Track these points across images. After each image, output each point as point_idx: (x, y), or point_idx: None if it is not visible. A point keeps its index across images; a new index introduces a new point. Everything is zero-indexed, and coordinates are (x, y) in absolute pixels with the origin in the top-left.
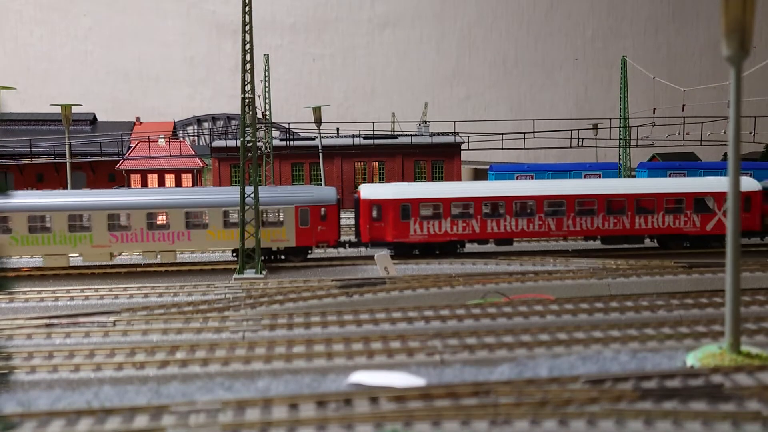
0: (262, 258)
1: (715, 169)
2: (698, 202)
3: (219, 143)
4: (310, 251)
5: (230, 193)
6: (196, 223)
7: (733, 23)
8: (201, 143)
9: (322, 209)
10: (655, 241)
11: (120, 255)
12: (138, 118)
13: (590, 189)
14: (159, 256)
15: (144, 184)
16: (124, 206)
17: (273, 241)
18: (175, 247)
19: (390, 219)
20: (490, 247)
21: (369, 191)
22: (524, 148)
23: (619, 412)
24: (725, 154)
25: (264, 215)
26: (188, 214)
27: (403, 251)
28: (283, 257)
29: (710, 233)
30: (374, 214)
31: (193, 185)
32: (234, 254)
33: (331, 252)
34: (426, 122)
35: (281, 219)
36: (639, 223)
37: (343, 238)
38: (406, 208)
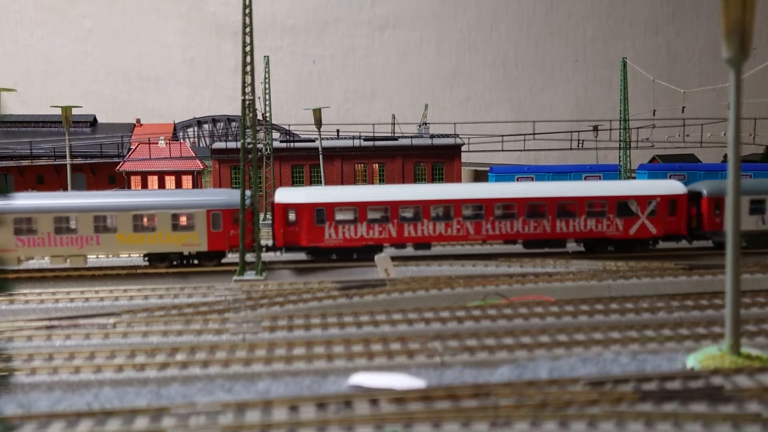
0: (175, 263)
1: (715, 171)
2: (621, 205)
3: (219, 145)
4: (224, 256)
5: (140, 197)
6: (105, 227)
7: (732, 25)
8: (201, 145)
9: (235, 214)
10: (582, 245)
11: (28, 260)
12: (138, 120)
13: (509, 193)
14: (68, 261)
15: (144, 186)
16: (30, 210)
17: (184, 246)
18: (83, 252)
19: (305, 223)
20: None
21: (283, 195)
22: (524, 150)
23: (619, 414)
24: (725, 156)
25: (175, 219)
26: (97, 218)
27: (319, 256)
28: (196, 262)
29: (634, 237)
30: (289, 218)
31: (193, 187)
32: (146, 258)
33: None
34: (426, 124)
35: (192, 223)
36: (560, 227)
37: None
38: (321, 213)
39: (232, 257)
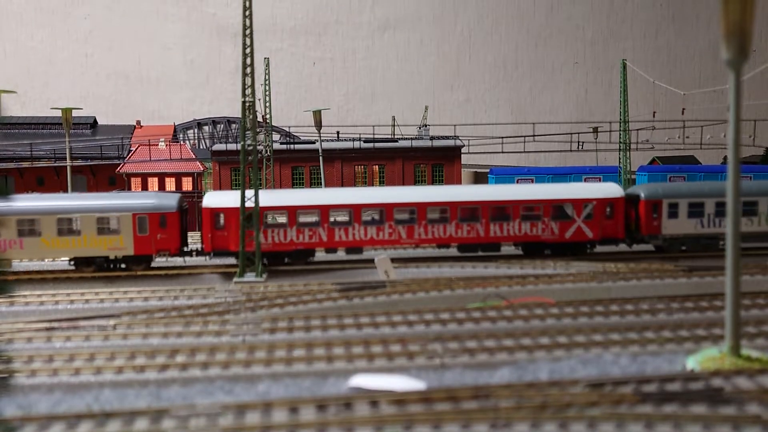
0: (110, 266)
1: (715, 172)
2: (557, 209)
3: (219, 147)
4: (151, 260)
5: (65, 200)
6: (30, 231)
7: (732, 27)
8: (201, 147)
9: (161, 217)
10: (520, 248)
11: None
12: (138, 122)
13: (442, 197)
14: None
15: (144, 188)
16: None
17: (110, 250)
18: (6, 256)
19: (233, 228)
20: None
21: (212, 199)
22: (524, 152)
23: (619, 416)
24: (725, 158)
25: (101, 222)
26: (20, 221)
27: (248, 261)
28: (123, 266)
29: (570, 240)
30: (217, 222)
31: (193, 189)
32: (71, 263)
33: (332, 256)
34: (426, 125)
35: (118, 227)
36: (494, 230)
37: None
38: (248, 217)
39: (160, 261)
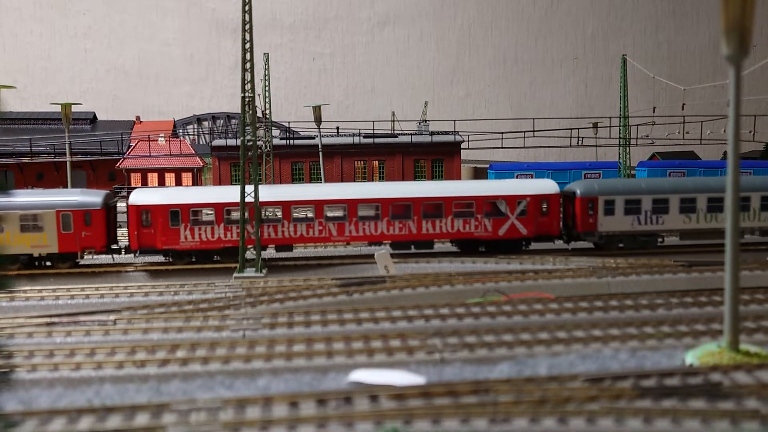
0: (35, 264)
1: (715, 168)
2: (490, 205)
3: (219, 142)
4: (79, 258)
5: None
6: None
7: (732, 22)
8: (201, 142)
9: (87, 214)
10: (456, 245)
11: None
12: (138, 117)
13: (373, 193)
14: None
15: (144, 183)
16: None
17: (33, 247)
18: None
19: (159, 225)
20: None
21: (137, 197)
22: (524, 147)
23: (618, 411)
24: (725, 153)
25: (24, 220)
26: None
27: (176, 259)
28: (48, 263)
29: (503, 237)
30: (143, 220)
31: (193, 184)
32: None
33: (330, 251)
34: (426, 121)
35: (42, 224)
36: (426, 227)
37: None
38: (176, 214)
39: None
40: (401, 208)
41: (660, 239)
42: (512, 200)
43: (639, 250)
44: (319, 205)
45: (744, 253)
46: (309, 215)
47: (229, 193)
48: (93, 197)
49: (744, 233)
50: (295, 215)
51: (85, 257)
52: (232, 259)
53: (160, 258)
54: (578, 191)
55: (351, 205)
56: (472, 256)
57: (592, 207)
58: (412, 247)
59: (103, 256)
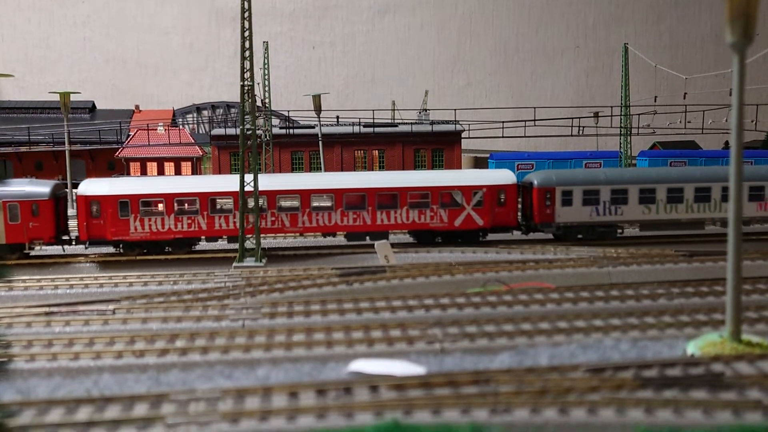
0: None
1: (716, 157)
2: (445, 196)
3: (218, 131)
4: (28, 249)
5: None
6: None
7: (737, 9)
8: (200, 131)
9: (34, 204)
10: (412, 236)
11: None
12: (137, 106)
13: (327, 184)
14: None
15: (143, 172)
16: None
17: None
18: None
19: (109, 216)
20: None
21: (87, 187)
22: (525, 137)
23: (619, 401)
24: (726, 143)
25: None
26: None
27: (127, 250)
28: None
29: (459, 228)
30: (92, 210)
31: (192, 173)
32: None
33: (330, 240)
34: (426, 110)
35: None
36: (381, 218)
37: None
38: (125, 205)
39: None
40: (355, 199)
41: (619, 230)
42: (468, 191)
43: (598, 241)
44: (271, 196)
45: (746, 243)
46: (262, 206)
47: (179, 184)
48: (41, 188)
49: (704, 224)
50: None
51: (37, 248)
52: (183, 251)
53: (110, 249)
54: (535, 182)
55: (304, 195)
56: (427, 246)
57: (550, 198)
58: (367, 238)
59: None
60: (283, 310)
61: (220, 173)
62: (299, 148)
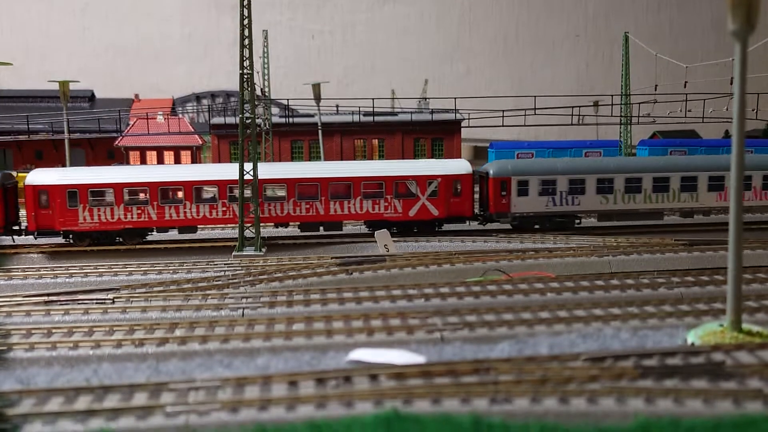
0: None
1: (717, 146)
2: (400, 186)
3: (218, 120)
4: None
5: None
6: None
7: None
8: (200, 120)
9: None
10: (368, 227)
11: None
12: (136, 95)
13: (279, 173)
14: None
15: (143, 161)
16: None
17: None
18: None
19: (57, 206)
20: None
21: (35, 177)
22: (525, 125)
23: (619, 390)
24: (727, 132)
25: None
26: None
27: (77, 240)
28: None
29: (414, 219)
30: (41, 201)
31: (192, 162)
32: None
33: (329, 230)
34: (426, 99)
35: None
36: (335, 208)
37: None
38: (74, 194)
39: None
40: (308, 189)
41: (577, 221)
42: (423, 181)
43: (556, 232)
44: (222, 186)
45: (746, 232)
46: (213, 196)
47: (129, 173)
48: None
49: (663, 215)
50: (198, 196)
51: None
52: (134, 241)
53: (60, 240)
54: (491, 171)
55: (259, 186)
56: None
57: (505, 187)
58: (321, 228)
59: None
60: (283, 299)
61: (219, 162)
62: (299, 137)
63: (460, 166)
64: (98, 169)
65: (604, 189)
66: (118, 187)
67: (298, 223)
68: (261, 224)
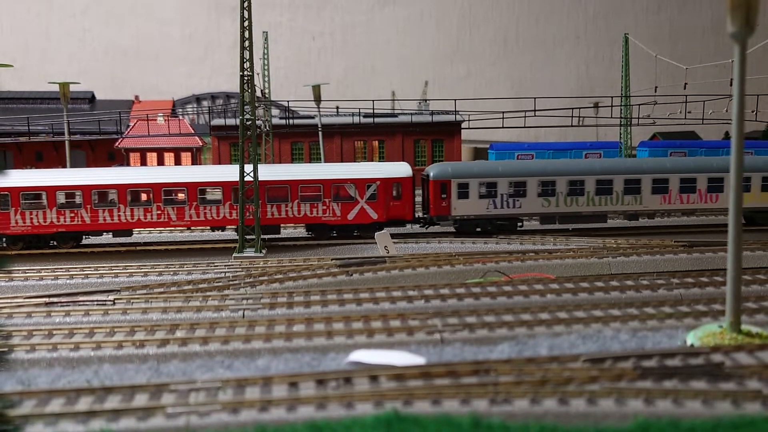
0: None
1: (716, 147)
2: (338, 189)
3: (218, 122)
4: None
5: None
6: None
7: None
8: (200, 122)
9: None
10: (307, 230)
11: None
12: (137, 97)
13: (213, 176)
14: None
15: (143, 163)
16: None
17: None
18: None
19: None
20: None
21: None
22: (525, 127)
23: (619, 391)
24: (726, 133)
25: None
26: None
27: (10, 244)
28: None
29: (353, 222)
30: None
31: (192, 164)
32: None
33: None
34: (426, 100)
35: None
36: (272, 212)
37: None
38: (5, 198)
39: None
40: (245, 193)
41: (519, 224)
42: (361, 184)
43: (499, 236)
44: (156, 189)
45: (746, 234)
46: (147, 199)
47: (61, 177)
48: None
49: (606, 217)
50: (132, 199)
51: None
52: (68, 245)
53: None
54: (431, 174)
55: (190, 188)
56: (322, 240)
57: (445, 190)
58: (261, 231)
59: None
60: (283, 300)
61: (219, 164)
62: (299, 138)
63: (399, 169)
64: (36, 172)
65: (546, 192)
66: (50, 191)
67: (234, 226)
68: (197, 228)
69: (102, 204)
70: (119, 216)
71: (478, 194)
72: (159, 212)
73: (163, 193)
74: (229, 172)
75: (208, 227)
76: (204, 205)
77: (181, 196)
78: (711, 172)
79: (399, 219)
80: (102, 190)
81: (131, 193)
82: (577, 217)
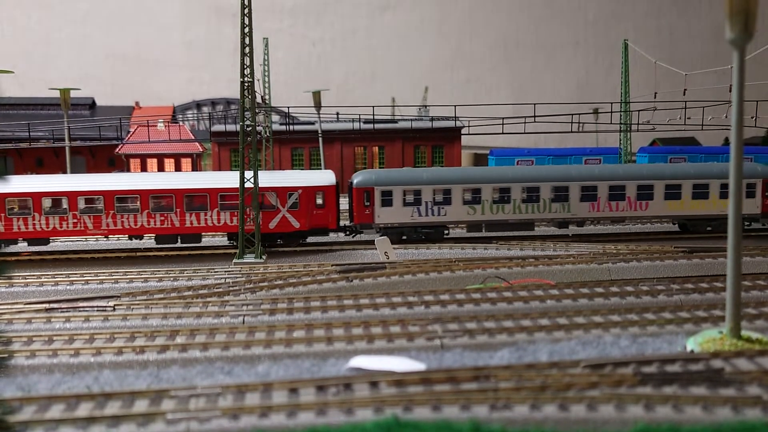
0: None
1: (716, 153)
2: (259, 198)
3: (218, 128)
4: None
5: None
6: None
7: (737, 5)
8: (200, 128)
9: None
10: (229, 239)
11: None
12: (137, 103)
13: (131, 185)
14: None
15: (144, 169)
16: None
17: None
18: None
19: None
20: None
21: None
22: (524, 133)
23: (619, 397)
24: (726, 139)
25: None
26: None
27: None
28: None
29: (274, 231)
30: None
31: (192, 170)
32: None
33: (331, 237)
34: (426, 106)
35: None
36: (191, 220)
37: None
38: None
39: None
40: (163, 201)
41: (446, 231)
42: (283, 192)
43: (427, 243)
44: (72, 197)
45: (745, 239)
46: (61, 207)
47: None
48: None
49: (534, 225)
50: (47, 207)
51: None
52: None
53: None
54: (355, 181)
55: (107, 196)
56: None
57: (369, 198)
58: (179, 240)
59: None
60: (284, 306)
61: (220, 170)
62: (299, 144)
63: (322, 177)
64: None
65: (472, 199)
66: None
67: (153, 235)
68: (113, 236)
69: (16, 212)
70: (34, 224)
71: (403, 202)
72: (75, 221)
73: (80, 201)
74: (143, 181)
75: (126, 236)
76: (122, 214)
77: (97, 204)
78: (641, 180)
79: (322, 228)
80: (15, 198)
81: (47, 202)
82: (504, 225)
